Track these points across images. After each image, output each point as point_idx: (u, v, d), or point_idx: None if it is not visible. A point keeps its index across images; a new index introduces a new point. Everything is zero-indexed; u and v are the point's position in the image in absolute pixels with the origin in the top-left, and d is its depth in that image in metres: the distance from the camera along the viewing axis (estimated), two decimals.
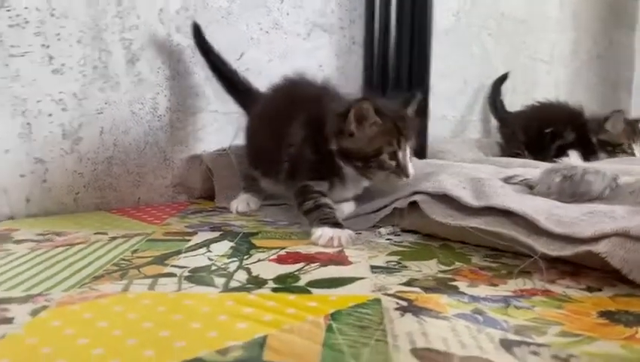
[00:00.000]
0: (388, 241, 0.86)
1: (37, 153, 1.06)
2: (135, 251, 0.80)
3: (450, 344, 0.48)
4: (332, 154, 0.92)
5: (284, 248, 0.82)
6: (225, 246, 0.83)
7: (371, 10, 1.60)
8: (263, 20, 1.38)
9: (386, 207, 0.92)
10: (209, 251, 0.80)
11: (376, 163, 0.89)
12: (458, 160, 1.51)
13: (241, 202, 1.10)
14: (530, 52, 2.30)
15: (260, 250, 0.80)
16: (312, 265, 0.73)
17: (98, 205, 1.14)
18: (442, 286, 0.65)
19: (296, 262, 0.74)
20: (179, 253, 0.79)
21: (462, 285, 0.65)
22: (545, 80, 2.39)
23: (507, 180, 0.98)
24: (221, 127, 1.32)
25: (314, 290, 0.63)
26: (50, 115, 1.07)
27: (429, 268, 0.72)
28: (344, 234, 0.84)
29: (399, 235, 0.90)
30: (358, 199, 0.99)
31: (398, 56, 1.60)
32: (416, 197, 0.87)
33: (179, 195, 1.26)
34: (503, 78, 2.04)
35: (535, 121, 1.79)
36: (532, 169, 1.16)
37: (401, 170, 0.90)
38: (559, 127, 1.70)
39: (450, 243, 0.85)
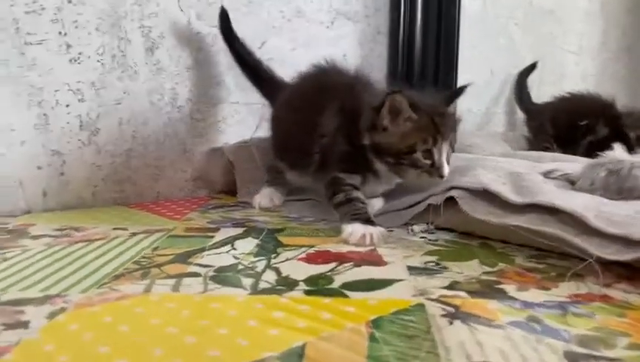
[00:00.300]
0: (422, 240, 0.81)
1: (54, 145, 1.02)
2: (156, 248, 0.75)
3: (509, 357, 0.43)
4: (364, 148, 0.87)
5: (312, 246, 0.77)
6: (250, 243, 0.79)
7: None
8: (285, 8, 1.33)
9: (419, 203, 0.87)
10: (234, 249, 0.75)
11: (409, 160, 0.84)
12: (487, 154, 1.46)
13: (264, 197, 1.05)
14: (558, 43, 2.22)
15: (288, 248, 0.76)
16: (345, 265, 0.68)
17: (116, 199, 1.10)
18: (489, 289, 0.60)
19: (328, 262, 0.69)
20: (202, 250, 0.74)
21: (510, 289, 0.60)
22: (573, 71, 2.32)
23: (546, 175, 0.92)
24: (243, 118, 1.27)
25: (350, 293, 0.58)
26: (67, 105, 1.03)
27: (471, 269, 0.67)
28: (376, 231, 0.79)
29: (433, 233, 0.85)
30: (388, 194, 0.94)
31: (425, 47, 1.54)
32: (453, 193, 0.82)
33: (199, 189, 1.22)
34: (530, 69, 1.97)
35: (564, 113, 1.71)
36: (570, 163, 1.10)
37: (435, 170, 0.84)
38: (591, 121, 1.62)
39: (489, 242, 0.80)
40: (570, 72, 2.30)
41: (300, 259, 0.70)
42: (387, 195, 0.94)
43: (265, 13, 1.29)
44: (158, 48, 1.13)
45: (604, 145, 1.55)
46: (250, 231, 0.86)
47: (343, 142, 0.88)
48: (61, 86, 1.02)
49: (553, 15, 2.16)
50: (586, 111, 1.65)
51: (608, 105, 1.65)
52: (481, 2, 1.84)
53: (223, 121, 1.25)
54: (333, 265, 0.68)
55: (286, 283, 0.61)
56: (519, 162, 1.01)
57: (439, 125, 0.84)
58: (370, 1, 1.51)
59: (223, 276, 0.63)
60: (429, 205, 0.85)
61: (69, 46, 1.02)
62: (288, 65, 1.31)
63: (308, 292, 0.58)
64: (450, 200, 0.83)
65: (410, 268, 0.67)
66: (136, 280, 0.62)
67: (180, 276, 0.63)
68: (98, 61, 1.06)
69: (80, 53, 1.03)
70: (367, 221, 0.81)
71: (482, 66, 1.89)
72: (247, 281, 0.61)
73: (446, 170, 0.85)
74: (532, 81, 2.02)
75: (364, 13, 1.50)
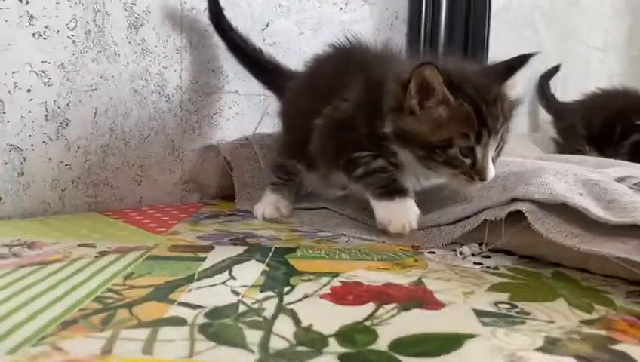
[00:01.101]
0: (477, 267, 0.62)
1: (11, 139, 0.83)
2: (129, 276, 0.56)
3: None
4: (386, 136, 0.69)
5: (336, 274, 0.58)
6: (253, 269, 0.60)
7: None
8: None
9: (468, 217, 0.68)
10: (232, 278, 0.57)
11: (443, 157, 0.67)
12: (520, 158, 1.27)
13: (269, 205, 0.86)
14: (583, 37, 2.05)
15: (304, 277, 0.57)
16: (386, 307, 0.49)
17: (90, 205, 0.91)
18: (605, 352, 0.41)
19: (362, 302, 0.50)
20: (190, 280, 0.55)
21: (635, 352, 0.41)
22: (598, 70, 2.14)
23: (619, 183, 0.74)
24: (242, 111, 1.08)
25: (406, 360, 0.39)
26: (29, 90, 0.84)
27: (562, 315, 0.48)
28: (412, 214, 0.70)
29: (489, 257, 0.66)
30: (423, 199, 0.76)
31: (450, 36, 1.36)
32: (520, 206, 0.63)
33: (190, 194, 1.03)
34: (554, 71, 1.79)
35: (599, 110, 1.53)
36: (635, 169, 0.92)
37: (475, 173, 0.67)
38: (632, 118, 1.44)
39: (564, 271, 0.62)
40: (595, 70, 2.13)
41: (323, 297, 0.52)
42: (422, 200, 0.76)
43: None
44: (143, 25, 0.95)
45: None
46: (252, 250, 0.67)
47: (361, 122, 0.72)
48: (21, 66, 0.83)
49: (577, 6, 1.99)
50: (625, 108, 1.48)
51: None
52: None
53: (219, 113, 1.06)
54: (371, 307, 0.49)
55: (309, 340, 0.42)
56: (573, 167, 0.83)
57: (486, 115, 0.66)
58: None
59: (217, 326, 0.44)
60: (485, 220, 0.67)
61: (31, 17, 0.83)
62: (294, 52, 1.13)
63: (343, 358, 0.39)
64: (511, 216, 0.65)
65: (478, 313, 0.48)
66: (92, 330, 0.43)
67: (157, 324, 0.44)
68: (69, 37, 0.87)
69: (46, 27, 0.85)
70: (396, 192, 0.69)
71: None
72: (253, 335, 0.42)
73: (491, 173, 0.67)
74: (556, 78, 1.85)
75: None
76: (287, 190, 0.88)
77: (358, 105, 0.73)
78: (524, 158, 1.21)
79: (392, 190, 0.70)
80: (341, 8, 1.23)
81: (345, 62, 0.80)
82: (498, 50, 1.66)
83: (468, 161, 0.67)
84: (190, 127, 1.02)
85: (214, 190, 1.02)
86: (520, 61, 0.72)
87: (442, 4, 1.36)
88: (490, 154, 0.68)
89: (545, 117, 1.82)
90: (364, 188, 0.73)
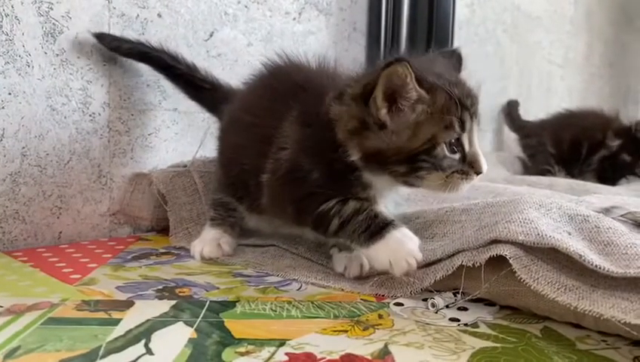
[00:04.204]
0: (454, 324, 0.52)
1: None
2: (12, 353, 0.43)
3: None
4: (351, 167, 0.58)
5: (282, 342, 0.46)
6: (178, 337, 0.48)
7: None
8: None
9: (441, 260, 0.58)
10: (148, 352, 0.44)
11: (431, 161, 0.57)
12: (487, 180, 1.19)
13: (209, 243, 0.74)
14: (545, 53, 2.01)
15: (241, 349, 0.45)
16: None
17: None
18: None
19: None
20: (93, 357, 0.43)
21: None
22: (559, 85, 2.12)
23: (605, 215, 0.66)
24: (182, 130, 0.96)
25: None
26: None
27: None
28: (410, 244, 0.57)
29: (465, 309, 0.56)
30: None
31: (412, 49, 1.27)
32: (502, 250, 0.53)
33: (120, 227, 0.90)
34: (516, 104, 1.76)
35: (568, 129, 1.51)
36: (615, 196, 0.85)
37: (469, 166, 0.58)
38: (597, 135, 1.43)
39: (555, 326, 0.52)
40: (556, 86, 2.10)
41: None
42: None
43: None
44: (63, 32, 0.81)
45: (619, 157, 1.39)
46: (181, 307, 0.55)
47: (310, 166, 0.60)
48: None
49: (539, 21, 1.95)
50: (590, 125, 1.47)
51: (613, 118, 1.47)
52: (469, 3, 1.60)
53: (154, 133, 0.93)
54: None
55: None
56: (560, 199, 0.74)
57: (463, 100, 0.58)
58: None
59: None
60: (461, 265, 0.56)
61: None
62: (242, 64, 1.02)
63: None
64: (491, 258, 0.55)
65: None
66: None
67: None
68: None
69: None
70: (385, 228, 0.57)
71: (469, 76, 1.65)
72: None
73: (484, 162, 0.59)
74: (519, 95, 1.81)
75: (339, 5, 1.22)
76: (230, 224, 0.76)
77: (299, 149, 0.61)
78: (492, 180, 1.13)
79: (378, 228, 0.58)
80: (294, 18, 1.13)
81: (273, 95, 0.69)
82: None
83: (457, 156, 0.58)
84: (120, 150, 0.89)
85: (148, 222, 0.89)
86: (451, 53, 0.68)
87: (403, 16, 1.28)
88: (477, 140, 0.60)
89: (509, 135, 1.76)
90: (347, 241, 0.61)
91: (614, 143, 1.39)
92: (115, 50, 0.85)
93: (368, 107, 0.57)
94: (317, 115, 0.61)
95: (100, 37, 0.83)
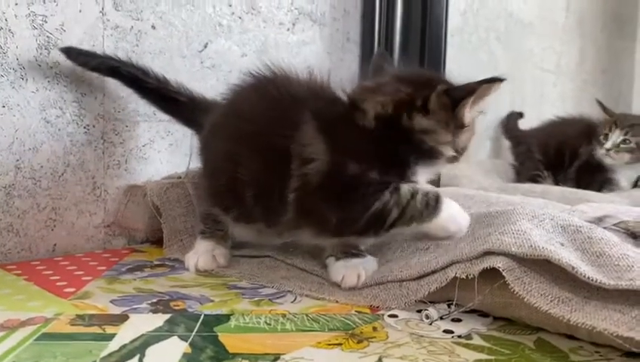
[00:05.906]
0: (448, 336, 0.52)
1: None
2: None
3: None
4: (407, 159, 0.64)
5: (277, 357, 0.47)
6: (173, 352, 0.48)
7: (371, 0, 1.28)
8: (235, 2, 1.03)
9: (434, 272, 0.58)
10: None
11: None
12: (478, 187, 1.20)
13: (203, 254, 0.74)
14: (537, 60, 2.03)
15: None
16: None
17: None
18: None
19: None
20: None
21: None
22: (551, 92, 2.13)
23: (598, 225, 0.66)
24: (177, 141, 0.96)
25: None
26: None
27: None
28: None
29: (459, 320, 0.56)
30: (383, 251, 0.66)
31: (405, 58, 1.28)
32: (495, 262, 0.53)
33: (114, 239, 0.90)
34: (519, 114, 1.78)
35: (554, 136, 1.53)
36: (607, 205, 0.86)
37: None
38: (576, 144, 1.45)
39: (548, 337, 0.52)
40: (549, 93, 2.12)
41: None
42: (378, 249, 0.66)
43: (209, 7, 1.00)
44: (57, 45, 0.82)
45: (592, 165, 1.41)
46: (175, 321, 0.55)
47: (359, 168, 0.61)
48: None
49: (531, 28, 1.96)
50: (573, 134, 1.49)
51: (593, 127, 1.48)
52: (462, 12, 1.61)
53: (149, 145, 0.93)
54: None
55: None
56: (552, 209, 0.75)
57: None
58: (338, 1, 1.24)
59: None
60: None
61: None
62: (235, 75, 1.01)
63: None
64: (484, 270, 0.55)
65: None
66: None
67: None
68: None
69: None
70: (440, 198, 0.62)
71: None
72: None
73: None
74: (512, 103, 1.82)
75: (333, 16, 1.23)
76: (221, 236, 0.76)
77: (338, 157, 0.61)
78: (485, 189, 1.14)
79: (434, 202, 0.61)
80: (288, 29, 1.13)
81: (274, 104, 0.68)
82: (454, 73, 1.60)
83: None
84: (115, 162, 0.89)
85: (143, 233, 0.89)
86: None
87: (396, 26, 1.28)
88: None
89: (505, 143, 1.78)
90: (405, 227, 0.61)
91: (587, 150, 1.40)
92: (84, 66, 0.82)
93: (462, 110, 0.64)
94: (346, 120, 0.63)
95: (67, 52, 0.80)
